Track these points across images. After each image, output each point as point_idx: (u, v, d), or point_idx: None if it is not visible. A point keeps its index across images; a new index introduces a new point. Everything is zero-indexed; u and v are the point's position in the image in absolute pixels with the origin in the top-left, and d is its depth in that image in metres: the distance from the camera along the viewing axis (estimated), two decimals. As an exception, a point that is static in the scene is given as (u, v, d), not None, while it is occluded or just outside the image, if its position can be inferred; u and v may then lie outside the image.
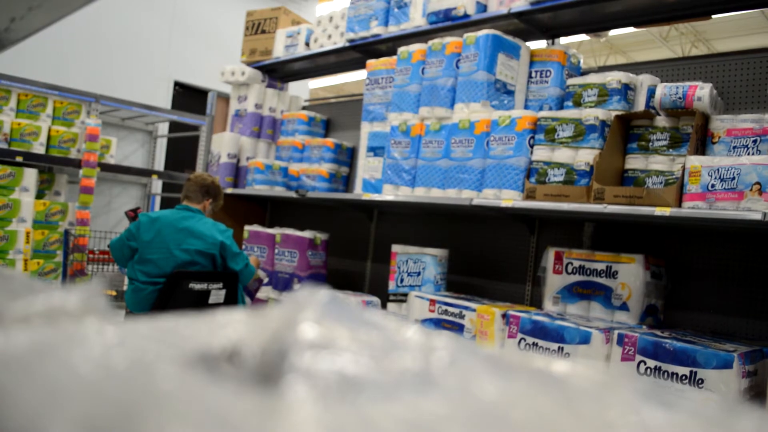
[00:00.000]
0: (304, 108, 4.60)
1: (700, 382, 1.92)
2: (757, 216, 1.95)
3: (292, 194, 3.72)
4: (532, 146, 2.68)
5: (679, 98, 2.36)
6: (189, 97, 7.06)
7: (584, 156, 2.50)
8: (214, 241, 2.89)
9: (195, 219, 2.93)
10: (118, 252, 2.95)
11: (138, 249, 2.87)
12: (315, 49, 3.98)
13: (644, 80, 2.66)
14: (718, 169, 2.12)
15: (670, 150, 2.40)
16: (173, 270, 2.82)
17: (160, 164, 6.54)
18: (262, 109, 4.39)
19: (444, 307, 2.69)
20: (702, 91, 2.32)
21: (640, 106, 2.64)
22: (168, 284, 2.79)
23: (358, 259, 3.91)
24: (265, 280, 3.69)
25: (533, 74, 2.96)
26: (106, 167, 5.27)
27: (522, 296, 3.06)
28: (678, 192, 2.21)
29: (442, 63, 3.02)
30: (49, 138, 4.94)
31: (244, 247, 3.88)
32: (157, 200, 6.46)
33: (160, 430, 0.24)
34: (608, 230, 2.82)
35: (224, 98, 4.62)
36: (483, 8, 3.10)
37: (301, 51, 4.10)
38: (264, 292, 3.68)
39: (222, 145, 4.27)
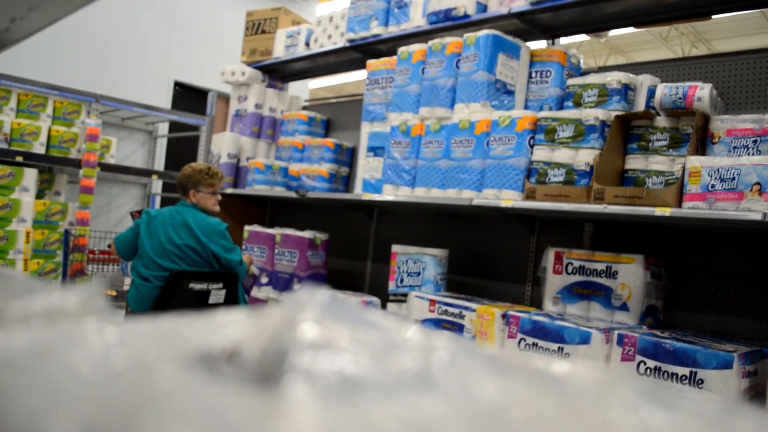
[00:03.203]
0: (304, 108, 4.60)
1: (700, 382, 1.92)
2: (757, 216, 1.95)
3: (292, 194, 3.72)
4: (532, 146, 2.68)
5: (679, 98, 2.36)
6: (189, 97, 7.06)
7: (584, 156, 2.50)
8: (203, 232, 2.93)
9: (188, 213, 2.97)
10: (125, 244, 3.01)
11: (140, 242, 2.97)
12: (315, 49, 3.98)
13: (644, 80, 2.66)
14: (718, 170, 2.12)
15: (670, 150, 2.40)
16: (167, 263, 2.88)
17: (160, 164, 6.55)
18: (262, 109, 4.40)
19: (444, 308, 2.69)
20: (702, 92, 2.32)
21: (640, 106, 2.64)
22: (168, 284, 2.83)
23: (358, 259, 3.91)
24: (263, 279, 3.68)
25: (533, 74, 2.96)
26: (106, 167, 5.28)
27: (522, 296, 3.06)
28: (678, 192, 2.21)
29: (442, 63, 3.02)
30: (49, 138, 4.94)
31: (244, 247, 3.88)
32: (157, 200, 6.47)
33: (160, 430, 0.24)
34: (608, 230, 2.82)
35: (224, 98, 4.62)
36: (483, 8, 3.09)
37: (301, 51, 4.10)
38: (264, 292, 3.68)
39: (222, 145, 4.27)
